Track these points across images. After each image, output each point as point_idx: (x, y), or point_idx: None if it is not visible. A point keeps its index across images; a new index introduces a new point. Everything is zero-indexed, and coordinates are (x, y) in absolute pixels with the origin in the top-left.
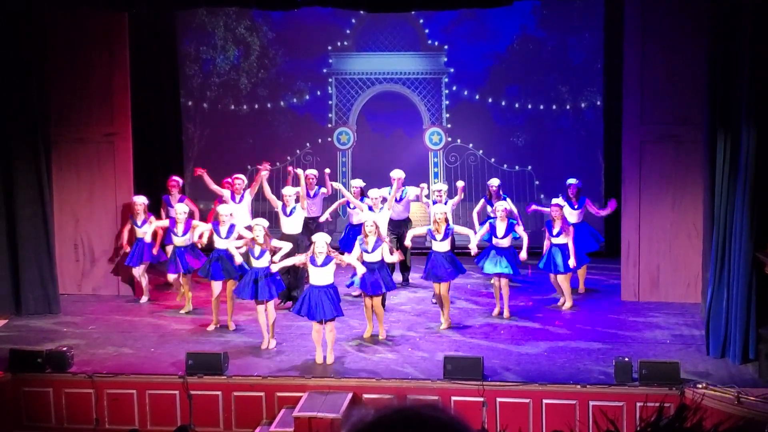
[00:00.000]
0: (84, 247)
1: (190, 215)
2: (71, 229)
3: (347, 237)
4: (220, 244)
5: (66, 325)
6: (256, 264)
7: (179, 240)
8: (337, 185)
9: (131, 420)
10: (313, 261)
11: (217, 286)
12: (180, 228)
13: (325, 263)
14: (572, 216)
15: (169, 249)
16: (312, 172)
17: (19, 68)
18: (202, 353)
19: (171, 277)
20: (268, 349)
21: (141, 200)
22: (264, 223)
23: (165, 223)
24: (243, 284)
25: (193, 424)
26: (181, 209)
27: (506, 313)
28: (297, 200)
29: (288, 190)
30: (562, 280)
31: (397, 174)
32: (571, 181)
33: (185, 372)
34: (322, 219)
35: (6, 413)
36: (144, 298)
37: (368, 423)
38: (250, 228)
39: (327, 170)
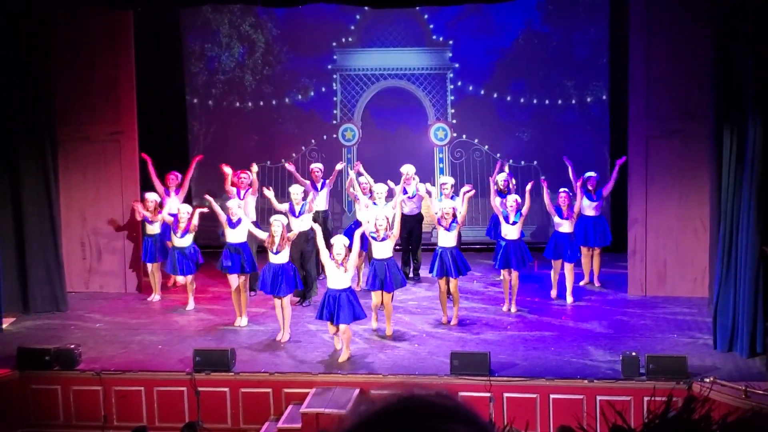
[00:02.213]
0: (91, 245)
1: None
2: (78, 227)
3: (350, 231)
4: (232, 237)
5: (73, 322)
6: (274, 260)
7: (178, 241)
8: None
9: (139, 417)
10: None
11: (234, 279)
12: (181, 228)
13: (342, 266)
14: (590, 209)
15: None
16: (317, 166)
17: (23, 68)
18: (209, 350)
19: (180, 279)
20: (279, 343)
21: (153, 197)
22: (283, 219)
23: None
24: (263, 280)
25: (200, 421)
26: (184, 209)
27: (513, 308)
28: (305, 198)
29: (295, 189)
30: (569, 270)
31: (406, 169)
32: (590, 174)
33: (193, 369)
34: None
35: (14, 411)
36: (156, 296)
37: (375, 411)
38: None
39: (338, 166)
